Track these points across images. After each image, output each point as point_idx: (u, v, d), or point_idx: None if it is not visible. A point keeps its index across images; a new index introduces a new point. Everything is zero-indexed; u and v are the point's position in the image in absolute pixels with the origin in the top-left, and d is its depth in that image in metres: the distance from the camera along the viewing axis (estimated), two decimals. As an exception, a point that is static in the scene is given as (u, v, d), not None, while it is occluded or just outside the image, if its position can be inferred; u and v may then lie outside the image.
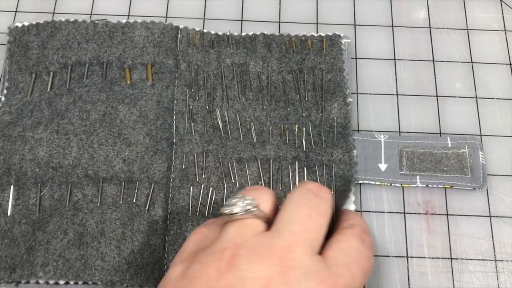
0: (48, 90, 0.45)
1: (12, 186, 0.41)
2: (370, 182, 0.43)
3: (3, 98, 0.45)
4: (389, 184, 0.43)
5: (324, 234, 0.32)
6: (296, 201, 0.32)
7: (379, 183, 0.43)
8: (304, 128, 0.44)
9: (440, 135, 0.46)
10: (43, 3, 0.50)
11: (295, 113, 0.45)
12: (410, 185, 0.43)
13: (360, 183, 0.44)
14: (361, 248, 0.32)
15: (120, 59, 0.46)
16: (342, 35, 0.48)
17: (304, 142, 0.44)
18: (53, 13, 0.50)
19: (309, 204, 0.32)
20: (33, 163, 0.41)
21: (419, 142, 0.44)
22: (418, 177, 0.43)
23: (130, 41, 0.46)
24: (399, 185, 0.43)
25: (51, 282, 0.38)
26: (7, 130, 0.43)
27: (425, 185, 0.43)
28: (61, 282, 0.38)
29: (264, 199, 0.33)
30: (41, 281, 0.38)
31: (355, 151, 0.44)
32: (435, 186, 0.43)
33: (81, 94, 0.44)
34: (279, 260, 0.29)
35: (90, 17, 0.49)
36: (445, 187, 0.43)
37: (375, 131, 0.46)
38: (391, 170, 0.44)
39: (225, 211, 0.32)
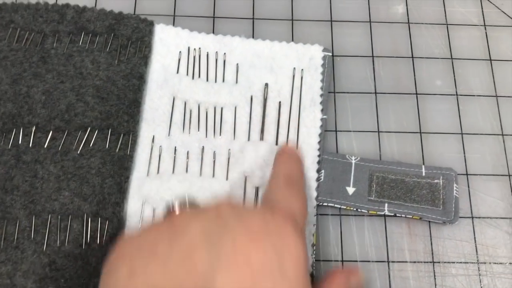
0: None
1: None
2: (336, 205, 0.41)
3: None
4: (354, 209, 0.41)
5: None
6: None
7: (344, 207, 0.41)
8: None
9: (420, 134, 0.45)
10: None
11: None
12: (377, 212, 0.41)
13: (323, 205, 0.42)
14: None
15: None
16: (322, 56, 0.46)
17: None
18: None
19: None
20: None
21: (391, 168, 0.42)
22: (386, 204, 0.41)
23: None
24: (366, 211, 0.41)
25: None
26: None
27: (392, 214, 0.41)
28: None
29: None
30: None
31: (323, 171, 0.42)
32: (403, 216, 0.41)
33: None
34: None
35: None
36: (413, 218, 0.42)
37: (352, 130, 0.44)
38: (359, 194, 0.41)
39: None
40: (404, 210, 0.41)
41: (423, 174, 0.42)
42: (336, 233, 0.41)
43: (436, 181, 0.42)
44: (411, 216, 0.41)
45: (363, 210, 0.41)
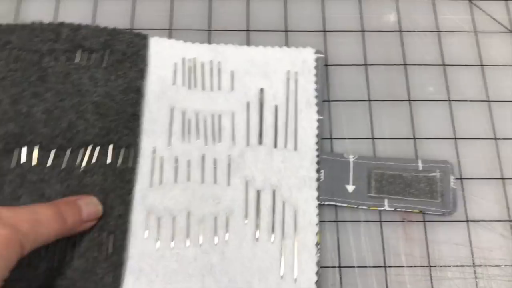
0: None
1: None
2: (337, 204, 0.42)
3: None
4: (356, 206, 0.42)
5: None
6: None
7: (345, 205, 0.42)
8: None
9: (414, 140, 0.45)
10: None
11: None
12: (378, 208, 0.42)
13: (321, 209, 0.42)
14: None
15: None
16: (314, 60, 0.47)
17: None
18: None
19: None
20: None
21: (389, 164, 0.43)
22: (386, 200, 0.42)
23: None
24: (366, 207, 0.42)
25: None
26: None
27: (393, 209, 0.42)
28: None
29: None
30: None
31: (322, 170, 0.43)
32: (403, 210, 0.42)
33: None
34: None
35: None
36: (414, 212, 0.42)
37: (347, 138, 0.45)
38: (359, 192, 0.42)
39: None
40: (403, 204, 0.42)
41: (420, 168, 0.43)
42: (333, 239, 0.42)
43: (433, 174, 0.43)
44: (411, 210, 0.42)
45: (363, 207, 0.42)
